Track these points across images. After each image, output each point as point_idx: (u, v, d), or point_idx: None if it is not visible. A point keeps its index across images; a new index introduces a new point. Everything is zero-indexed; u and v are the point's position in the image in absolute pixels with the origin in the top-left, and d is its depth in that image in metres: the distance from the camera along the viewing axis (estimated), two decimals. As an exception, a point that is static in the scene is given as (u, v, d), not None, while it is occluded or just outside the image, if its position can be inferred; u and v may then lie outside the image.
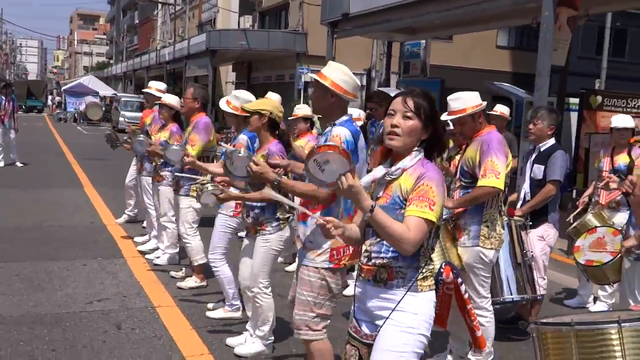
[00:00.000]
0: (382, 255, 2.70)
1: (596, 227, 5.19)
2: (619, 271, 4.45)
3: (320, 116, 4.53)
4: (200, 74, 30.75)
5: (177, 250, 6.99)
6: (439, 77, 17.68)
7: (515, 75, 26.16)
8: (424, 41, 18.35)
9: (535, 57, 27.42)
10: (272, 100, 4.58)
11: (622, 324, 2.87)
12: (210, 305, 5.53)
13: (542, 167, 5.48)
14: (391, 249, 2.67)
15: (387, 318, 2.65)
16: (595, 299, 6.44)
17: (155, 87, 7.70)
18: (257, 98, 5.39)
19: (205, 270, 6.19)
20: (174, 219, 6.82)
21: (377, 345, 2.67)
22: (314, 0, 24.64)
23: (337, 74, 3.63)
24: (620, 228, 5.04)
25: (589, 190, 6.82)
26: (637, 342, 2.86)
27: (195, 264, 6.19)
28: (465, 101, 4.30)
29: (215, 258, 5.18)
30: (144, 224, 8.75)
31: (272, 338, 4.63)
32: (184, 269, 6.55)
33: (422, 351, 2.70)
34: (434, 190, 2.59)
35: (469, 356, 4.32)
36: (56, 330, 4.89)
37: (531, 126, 5.65)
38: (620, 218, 6.17)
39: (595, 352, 2.88)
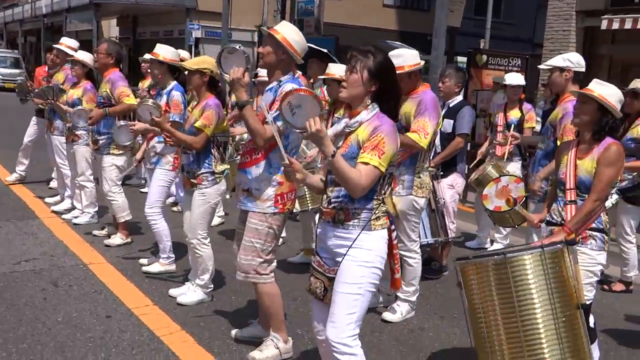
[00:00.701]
0: (340, 199, 3.03)
1: (500, 176, 5.77)
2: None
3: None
4: (83, 28, 29.24)
5: (97, 209, 6.99)
6: (333, 35, 18.05)
7: (401, 33, 27.01)
8: (317, -1, 18.63)
9: (419, 16, 28.52)
10: (211, 59, 4.72)
11: (545, 249, 3.38)
12: (143, 261, 5.65)
13: (452, 121, 5.97)
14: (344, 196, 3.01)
15: (345, 254, 2.99)
16: (492, 241, 7.12)
17: (67, 43, 7.48)
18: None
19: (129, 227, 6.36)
20: (91, 177, 6.82)
21: (338, 278, 3.02)
22: (202, -47, 24.22)
23: (289, 33, 3.80)
24: (516, 176, 5.65)
25: (486, 144, 7.43)
26: (555, 262, 3.38)
27: (121, 220, 6.23)
28: (405, 59, 4.60)
29: (153, 212, 5.33)
30: (51, 185, 8.63)
31: (212, 286, 4.88)
32: (106, 227, 6.58)
33: (377, 282, 3.08)
34: (384, 142, 2.92)
35: (398, 293, 4.75)
36: (-10, 291, 4.88)
37: (440, 84, 6.11)
38: (514, 167, 6.85)
39: (525, 278, 3.35)
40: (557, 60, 5.02)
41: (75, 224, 6.83)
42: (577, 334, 3.34)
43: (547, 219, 3.82)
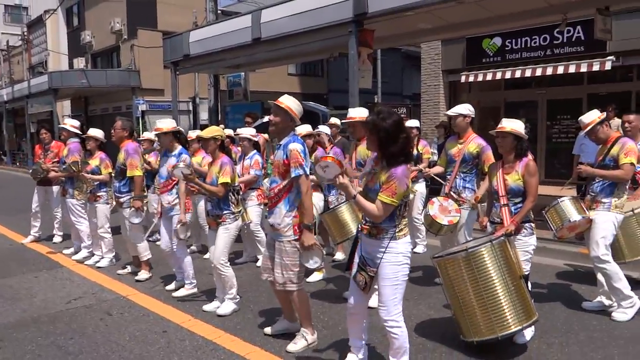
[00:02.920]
0: (368, 220, 3.42)
1: (431, 199, 6.15)
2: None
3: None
4: (41, 110, 28.19)
5: (114, 254, 7.01)
6: (259, 100, 18.44)
7: (303, 95, 27.85)
8: (243, 73, 18.97)
9: (316, 81, 29.15)
10: (218, 128, 5.11)
11: (493, 242, 3.93)
12: (170, 287, 5.81)
13: None
14: None
15: (381, 258, 3.35)
16: (416, 244, 7.64)
17: (70, 123, 7.59)
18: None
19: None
20: (109, 229, 6.86)
21: (379, 276, 3.38)
22: (142, 43, 24.06)
23: (291, 103, 4.10)
24: (443, 196, 6.16)
25: None
26: (501, 250, 3.93)
27: (144, 259, 6.34)
28: (358, 112, 5.30)
29: (182, 247, 5.61)
30: (54, 240, 8.47)
31: (239, 297, 5.12)
32: (128, 267, 6.63)
33: (407, 276, 3.41)
34: (396, 185, 3.24)
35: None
36: (60, 325, 4.85)
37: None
38: (420, 187, 7.48)
39: (483, 263, 3.89)
40: (461, 109, 5.62)
41: (98, 267, 6.82)
42: (523, 296, 3.89)
43: (490, 220, 4.36)
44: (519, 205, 4.13)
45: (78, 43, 28.65)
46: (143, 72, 24.22)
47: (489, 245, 3.90)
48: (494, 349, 4.04)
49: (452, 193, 5.52)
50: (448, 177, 5.68)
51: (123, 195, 6.27)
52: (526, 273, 4.06)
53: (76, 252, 7.60)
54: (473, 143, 5.43)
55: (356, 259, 3.55)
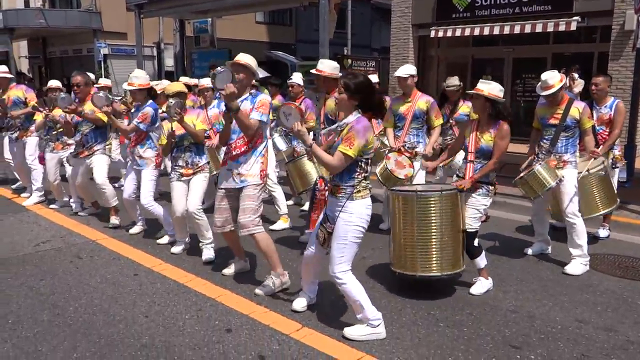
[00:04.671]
0: (333, 179, 3.47)
1: (387, 155, 6.15)
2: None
3: None
4: (-4, 50, 26.80)
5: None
6: (226, 48, 18.03)
7: (271, 44, 27.34)
8: (210, 19, 18.47)
9: (284, 30, 28.82)
10: (180, 83, 5.15)
11: (443, 192, 4.13)
12: (132, 230, 5.96)
13: None
14: (336, 176, 3.44)
15: (338, 216, 3.42)
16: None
17: (2, 70, 7.47)
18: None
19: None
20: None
21: (334, 233, 3.46)
22: (104, -17, 23.02)
23: (248, 59, 4.15)
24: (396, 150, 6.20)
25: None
26: (451, 203, 4.13)
27: (111, 205, 6.25)
28: (329, 67, 5.29)
29: (149, 201, 5.55)
30: (13, 186, 8.22)
31: (214, 243, 5.14)
32: (87, 208, 6.77)
33: (360, 239, 3.44)
34: (354, 136, 3.27)
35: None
36: (29, 267, 4.85)
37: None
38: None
39: (427, 208, 4.09)
40: (411, 70, 5.65)
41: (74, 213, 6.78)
42: (456, 248, 4.16)
43: (457, 174, 4.50)
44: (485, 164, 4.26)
45: (34, -20, 27.19)
46: (105, 13, 23.29)
47: (439, 194, 4.10)
48: (453, 295, 4.26)
49: (406, 148, 5.63)
50: (398, 134, 5.82)
51: (95, 144, 6.20)
52: (472, 230, 4.22)
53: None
54: (422, 100, 5.67)
55: (321, 216, 3.62)
